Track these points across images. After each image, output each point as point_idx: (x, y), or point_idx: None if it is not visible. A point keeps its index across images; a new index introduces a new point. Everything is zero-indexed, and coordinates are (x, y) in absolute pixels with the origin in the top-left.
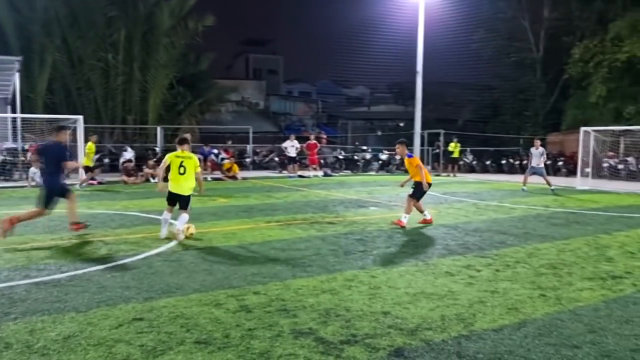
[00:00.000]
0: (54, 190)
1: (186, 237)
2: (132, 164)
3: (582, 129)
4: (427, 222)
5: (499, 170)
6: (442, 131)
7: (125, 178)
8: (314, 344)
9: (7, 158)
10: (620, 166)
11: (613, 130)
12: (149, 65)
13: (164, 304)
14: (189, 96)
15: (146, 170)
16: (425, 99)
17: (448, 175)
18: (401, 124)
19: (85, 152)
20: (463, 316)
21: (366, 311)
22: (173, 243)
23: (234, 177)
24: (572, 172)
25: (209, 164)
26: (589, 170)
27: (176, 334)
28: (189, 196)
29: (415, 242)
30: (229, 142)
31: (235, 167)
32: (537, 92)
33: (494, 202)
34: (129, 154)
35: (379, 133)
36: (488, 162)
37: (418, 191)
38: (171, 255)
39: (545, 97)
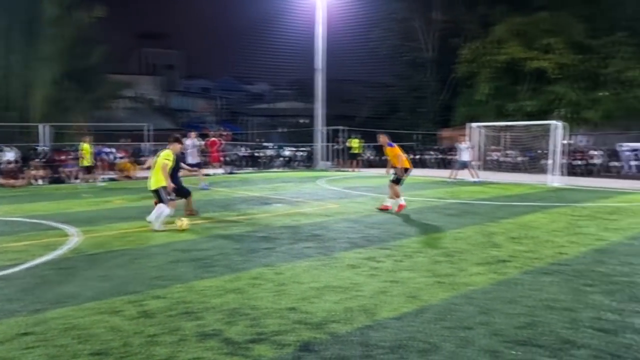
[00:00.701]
0: None
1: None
2: (16, 165)
3: (469, 124)
4: (401, 208)
5: None
6: (342, 128)
7: (6, 181)
8: (220, 345)
9: None
10: (504, 159)
11: (495, 126)
12: (33, 58)
13: (54, 316)
14: (79, 92)
15: (30, 171)
16: (326, 96)
17: (347, 171)
18: (303, 121)
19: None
20: (367, 307)
21: (272, 308)
22: (65, 249)
23: (128, 177)
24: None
25: (104, 163)
26: (478, 163)
27: (70, 347)
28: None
29: (320, 237)
30: (127, 140)
31: (129, 165)
32: (430, 90)
33: None
34: (10, 154)
35: (281, 130)
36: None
37: (399, 177)
38: (61, 262)
39: (437, 95)
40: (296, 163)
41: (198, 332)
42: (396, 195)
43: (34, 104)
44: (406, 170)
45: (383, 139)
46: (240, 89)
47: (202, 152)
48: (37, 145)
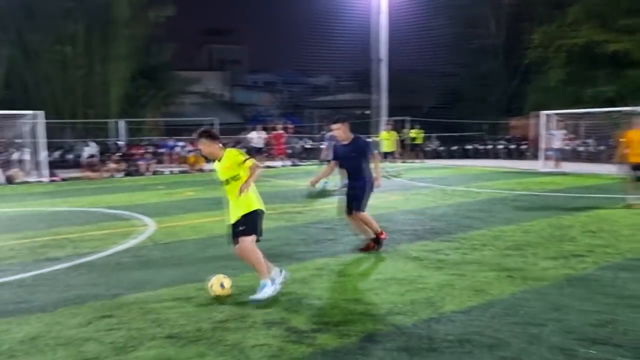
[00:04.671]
0: None
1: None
2: (95, 159)
3: (543, 112)
4: None
5: (465, 155)
6: (407, 118)
7: (89, 174)
8: (286, 334)
9: None
10: (581, 148)
11: (572, 114)
12: (109, 58)
13: (133, 300)
14: (152, 88)
15: (110, 165)
16: (389, 86)
17: (412, 162)
18: (367, 112)
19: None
20: (432, 299)
21: (337, 299)
22: (141, 238)
23: (200, 170)
24: (535, 156)
25: (174, 157)
26: (551, 153)
27: (147, 330)
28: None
29: (384, 229)
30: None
31: (201, 159)
32: (497, 78)
33: (461, 187)
34: (92, 149)
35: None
36: (454, 148)
37: None
38: (139, 250)
39: (505, 83)
40: None
41: (265, 320)
42: None
43: (111, 101)
44: None
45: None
46: (303, 81)
47: (268, 144)
48: (115, 140)
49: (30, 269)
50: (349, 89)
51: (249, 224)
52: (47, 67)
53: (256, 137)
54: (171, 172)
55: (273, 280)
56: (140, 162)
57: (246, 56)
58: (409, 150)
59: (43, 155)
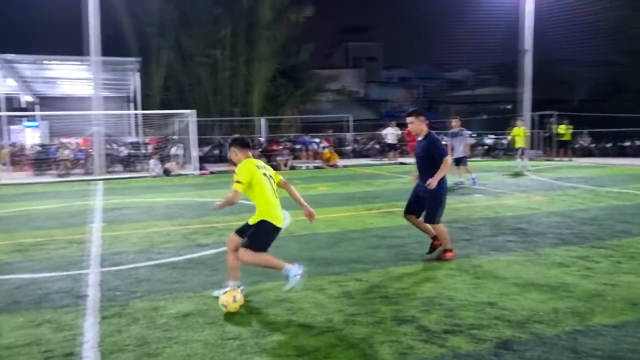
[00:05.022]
0: None
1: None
2: None
3: None
4: None
5: (621, 153)
6: (554, 112)
7: (233, 168)
8: (417, 332)
9: (131, 151)
10: None
11: None
12: (253, 59)
13: (270, 287)
14: (290, 87)
15: None
16: (534, 78)
17: (558, 160)
18: (508, 107)
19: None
20: (578, 310)
21: (470, 301)
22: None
23: (334, 166)
24: None
25: (310, 152)
26: None
27: (281, 317)
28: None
29: (524, 231)
30: (329, 131)
31: (335, 155)
32: None
33: (615, 189)
34: None
35: (484, 117)
36: (608, 145)
37: None
38: (275, 241)
39: None
40: (497, 152)
41: (395, 317)
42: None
43: (254, 100)
44: None
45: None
46: (439, 76)
47: (400, 140)
48: (259, 137)
49: (183, 253)
50: (489, 83)
51: (253, 237)
52: (199, 70)
53: (390, 134)
54: (307, 168)
55: (288, 270)
56: (278, 158)
57: (381, 52)
58: (556, 147)
59: (194, 150)
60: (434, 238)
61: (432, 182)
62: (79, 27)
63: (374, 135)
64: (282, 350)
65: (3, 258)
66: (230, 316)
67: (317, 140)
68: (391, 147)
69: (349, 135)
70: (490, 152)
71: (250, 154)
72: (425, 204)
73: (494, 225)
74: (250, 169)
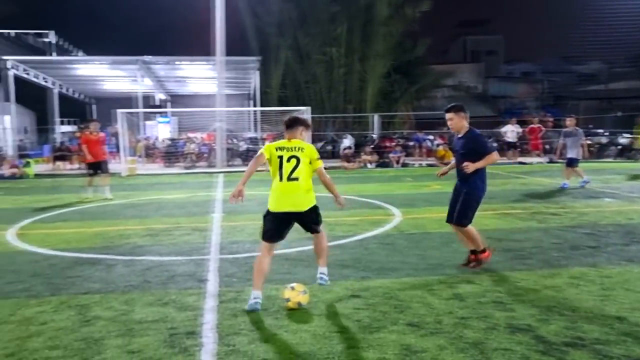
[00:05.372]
0: None
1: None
2: (351, 151)
3: None
4: None
5: None
6: None
7: (344, 164)
8: (533, 342)
9: (250, 146)
10: None
11: None
12: (368, 56)
13: (378, 285)
14: (405, 83)
15: (363, 156)
16: None
17: None
18: None
19: None
20: None
21: (596, 314)
22: (388, 226)
23: (446, 164)
24: None
25: (423, 150)
26: None
27: (390, 314)
28: (315, 209)
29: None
30: (444, 128)
31: (449, 153)
32: None
33: None
34: (348, 141)
35: (619, 114)
36: None
37: None
38: (386, 238)
39: None
40: (634, 152)
41: (509, 324)
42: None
43: (367, 96)
44: None
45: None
46: (567, 69)
47: (521, 138)
48: (372, 133)
49: (294, 245)
50: (625, 76)
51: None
52: (315, 67)
53: (509, 131)
54: (419, 165)
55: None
56: (391, 155)
57: (502, 46)
58: None
59: None
60: (473, 252)
61: (470, 166)
62: (207, 29)
63: (492, 133)
64: (389, 348)
65: (137, 241)
66: (338, 310)
67: (431, 137)
68: (510, 145)
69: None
70: (625, 152)
71: (290, 135)
72: (457, 201)
73: (626, 233)
74: (268, 147)
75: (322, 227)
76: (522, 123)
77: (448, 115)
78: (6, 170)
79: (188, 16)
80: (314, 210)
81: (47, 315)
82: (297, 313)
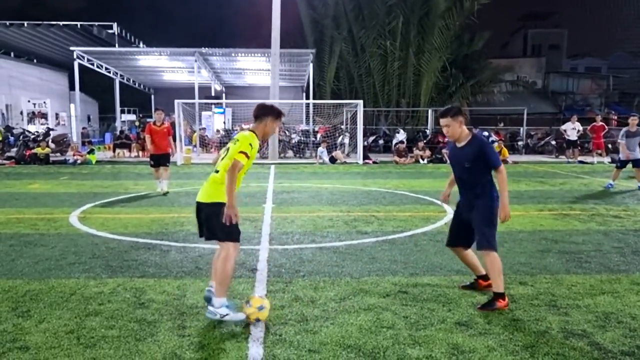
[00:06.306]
0: None
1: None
2: (403, 146)
3: None
4: None
5: None
6: None
7: (397, 159)
8: (588, 349)
9: (302, 138)
10: None
11: None
12: (424, 49)
13: (427, 281)
14: (461, 78)
15: (416, 151)
16: None
17: None
18: None
19: None
20: None
21: None
22: (439, 223)
23: (504, 161)
24: None
25: None
26: None
27: (438, 312)
28: (216, 207)
29: None
30: (500, 124)
31: (505, 150)
32: None
33: None
34: (401, 135)
35: None
36: None
37: None
38: (436, 235)
39: None
40: None
41: (563, 329)
42: None
43: (422, 91)
44: None
45: None
46: (636, 65)
47: (582, 137)
48: (425, 128)
49: (343, 239)
50: None
51: None
52: (370, 60)
53: (570, 129)
54: None
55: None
56: (444, 150)
57: (565, 40)
58: None
59: (360, 139)
60: (481, 277)
61: (507, 210)
62: (264, 22)
63: (552, 130)
64: (436, 346)
65: (191, 229)
66: (386, 305)
67: (487, 133)
68: (571, 143)
69: (523, 130)
70: None
71: (254, 126)
72: (473, 224)
73: None
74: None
75: (225, 244)
76: (583, 121)
77: (443, 121)
78: (72, 157)
79: (246, 9)
80: (214, 209)
81: (104, 296)
82: (343, 306)
